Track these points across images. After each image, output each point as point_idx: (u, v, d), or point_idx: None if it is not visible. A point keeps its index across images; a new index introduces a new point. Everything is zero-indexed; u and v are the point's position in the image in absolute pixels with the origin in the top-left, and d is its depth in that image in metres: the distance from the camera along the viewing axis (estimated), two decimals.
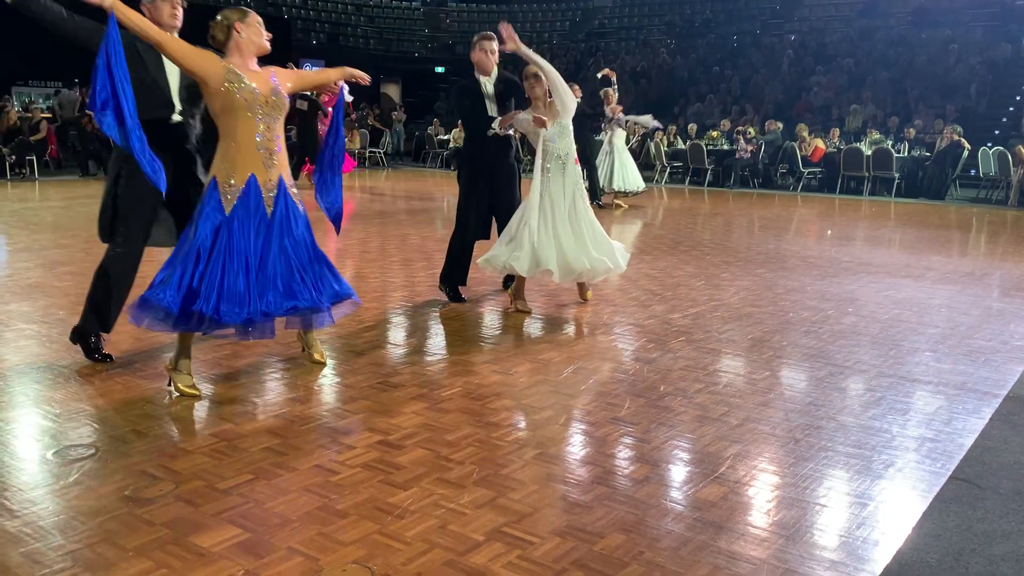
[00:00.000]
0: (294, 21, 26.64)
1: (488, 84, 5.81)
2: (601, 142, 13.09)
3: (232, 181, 3.82)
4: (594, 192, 12.13)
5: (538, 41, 28.84)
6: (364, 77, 4.35)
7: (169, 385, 3.97)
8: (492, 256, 5.59)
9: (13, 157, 14.99)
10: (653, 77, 23.37)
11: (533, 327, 5.51)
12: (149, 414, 3.66)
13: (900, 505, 2.97)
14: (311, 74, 4.40)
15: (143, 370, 4.28)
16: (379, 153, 21.49)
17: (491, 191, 5.92)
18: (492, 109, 5.78)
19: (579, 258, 5.51)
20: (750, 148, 16.70)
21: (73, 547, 2.53)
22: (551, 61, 5.91)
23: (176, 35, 4.10)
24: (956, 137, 14.84)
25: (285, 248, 3.91)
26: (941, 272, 7.61)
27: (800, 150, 16.19)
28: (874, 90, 18.96)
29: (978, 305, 6.22)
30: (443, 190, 15.74)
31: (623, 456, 3.34)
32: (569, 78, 22.10)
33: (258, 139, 3.86)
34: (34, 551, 2.51)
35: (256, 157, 3.86)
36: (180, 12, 4.24)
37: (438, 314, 5.73)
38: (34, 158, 15.36)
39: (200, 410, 3.79)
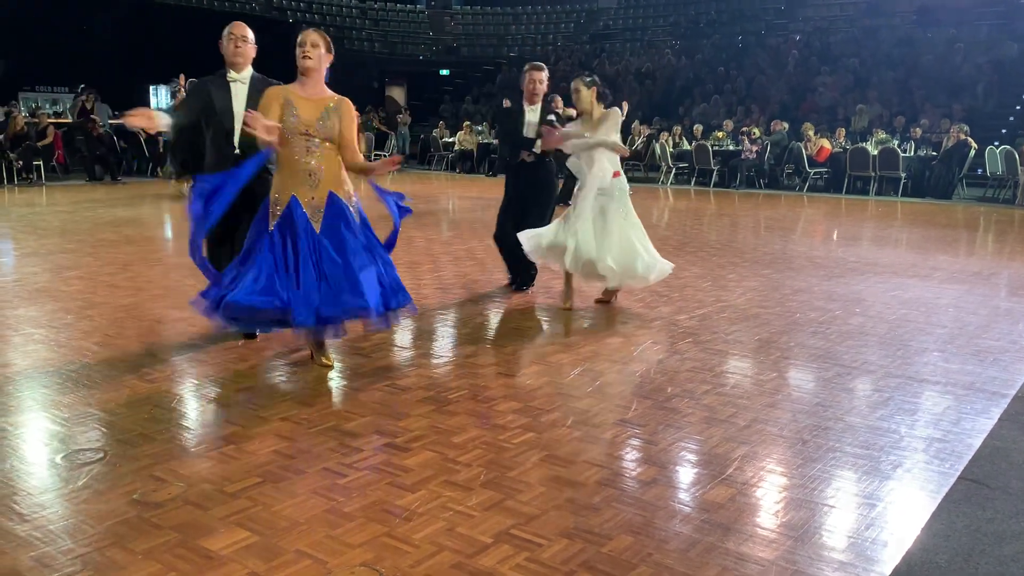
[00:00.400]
0: (299, 25, 26.71)
1: (532, 112, 6.12)
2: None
3: (278, 201, 4.14)
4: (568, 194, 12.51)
5: (543, 43, 28.86)
6: (389, 168, 4.39)
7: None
8: (532, 233, 5.80)
9: (20, 162, 15.05)
10: (658, 78, 23.35)
11: (539, 329, 5.51)
12: (156, 418, 3.66)
13: (909, 506, 2.96)
14: (356, 155, 4.29)
15: (150, 374, 4.29)
16: (384, 156, 21.50)
17: (522, 202, 6.23)
18: (531, 134, 6.10)
19: (591, 252, 5.58)
20: (755, 148, 16.67)
21: (83, 551, 2.54)
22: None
23: (249, 66, 4.70)
24: (963, 136, 14.79)
25: (332, 261, 4.11)
26: (948, 272, 7.59)
27: (806, 150, 16.17)
28: (880, 90, 18.91)
29: (986, 305, 6.20)
30: (448, 193, 15.76)
31: (631, 458, 3.34)
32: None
33: (299, 161, 4.11)
34: (44, 555, 2.51)
35: (297, 179, 4.12)
36: (243, 47, 4.64)
37: (443, 316, 5.73)
38: (41, 163, 15.41)
39: (207, 413, 3.80)
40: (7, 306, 5.73)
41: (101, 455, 3.25)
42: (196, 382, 4.22)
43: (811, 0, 25.47)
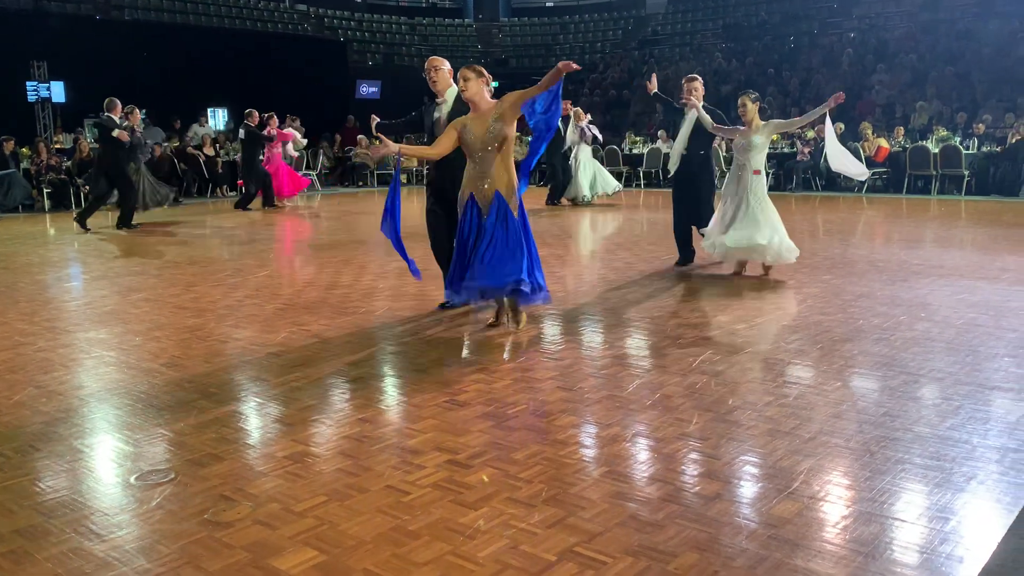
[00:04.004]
0: (350, 44, 27.16)
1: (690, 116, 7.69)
2: (569, 151, 14.66)
3: (464, 197, 5.38)
4: (557, 193, 15.03)
5: (591, 51, 28.84)
6: (569, 67, 5.17)
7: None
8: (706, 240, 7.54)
9: (87, 187, 15.56)
10: (708, 81, 23.12)
11: (595, 341, 5.49)
12: (225, 437, 3.75)
13: (984, 519, 2.87)
14: (531, 90, 5.30)
15: (216, 394, 4.40)
16: None
17: (680, 192, 8.00)
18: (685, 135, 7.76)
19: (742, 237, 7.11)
20: (807, 150, 16.41)
21: (158, 571, 2.61)
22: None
23: (449, 89, 5.97)
24: None
25: (495, 242, 5.22)
26: (1017, 273, 7.35)
27: (864, 150, 15.84)
28: (939, 85, 18.46)
29: None
30: None
31: (693, 473, 3.31)
32: (623, 87, 22.70)
33: (475, 168, 5.30)
34: (121, 575, 2.59)
35: (472, 180, 5.32)
36: (435, 76, 5.96)
37: (501, 330, 5.75)
38: None
39: (272, 432, 3.88)
40: (79, 329, 5.93)
41: (172, 475, 3.34)
42: (260, 401, 4.31)
43: None
